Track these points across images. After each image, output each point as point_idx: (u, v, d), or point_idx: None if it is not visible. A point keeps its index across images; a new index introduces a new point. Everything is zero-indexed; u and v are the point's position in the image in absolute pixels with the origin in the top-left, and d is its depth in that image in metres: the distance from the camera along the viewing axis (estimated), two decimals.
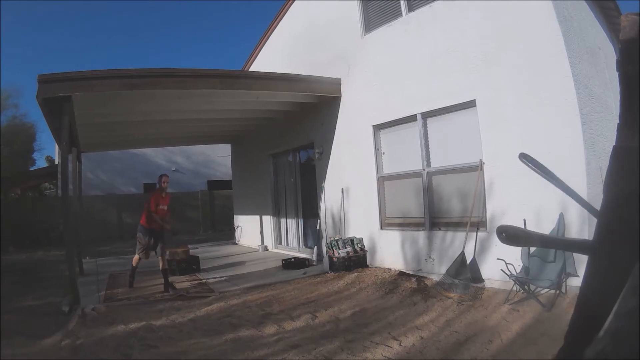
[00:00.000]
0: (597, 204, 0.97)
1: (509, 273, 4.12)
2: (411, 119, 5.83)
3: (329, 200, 7.38)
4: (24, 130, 14.08)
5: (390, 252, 6.13)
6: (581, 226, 3.99)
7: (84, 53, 44.25)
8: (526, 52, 4.52)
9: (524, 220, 4.16)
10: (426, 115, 5.64)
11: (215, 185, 18.57)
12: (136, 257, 5.89)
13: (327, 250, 6.61)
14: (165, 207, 5.81)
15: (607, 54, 5.78)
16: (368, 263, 6.44)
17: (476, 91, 4.95)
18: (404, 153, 6.08)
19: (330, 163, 7.38)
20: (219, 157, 18.37)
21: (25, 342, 3.73)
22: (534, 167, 1.13)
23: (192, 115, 7.84)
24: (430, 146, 5.66)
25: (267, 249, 9.53)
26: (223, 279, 6.40)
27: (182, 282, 6.29)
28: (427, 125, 5.67)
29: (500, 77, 4.73)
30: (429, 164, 5.63)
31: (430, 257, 5.52)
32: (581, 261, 3.80)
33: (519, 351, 3.07)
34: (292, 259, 7.22)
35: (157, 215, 5.65)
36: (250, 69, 10.09)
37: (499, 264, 4.24)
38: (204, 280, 6.34)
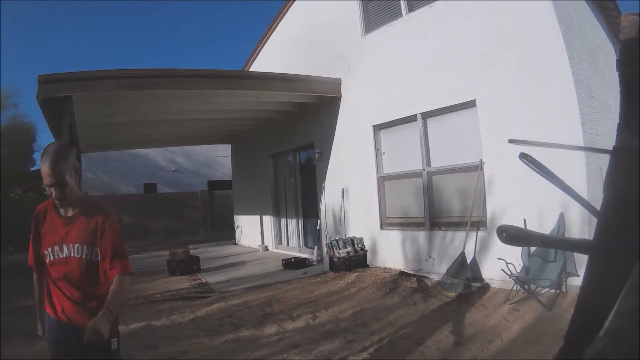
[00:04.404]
0: (597, 204, 0.97)
1: (509, 273, 4.12)
2: (411, 119, 5.83)
3: (329, 200, 7.38)
4: (24, 130, 14.10)
5: (391, 251, 6.13)
6: (582, 226, 3.99)
7: (84, 53, 44.18)
8: (526, 52, 4.52)
9: (524, 220, 4.16)
10: (426, 115, 5.64)
11: (216, 185, 18.58)
12: None
13: (327, 250, 6.61)
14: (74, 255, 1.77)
15: (607, 54, 5.77)
16: (368, 263, 6.44)
17: (476, 91, 4.95)
18: (404, 153, 6.08)
19: (330, 163, 7.38)
20: (219, 157, 18.37)
21: (25, 342, 3.73)
22: (534, 167, 1.13)
23: (192, 115, 7.83)
24: (430, 146, 5.66)
25: (268, 249, 9.53)
26: (223, 279, 6.40)
27: (182, 282, 6.30)
28: (427, 125, 5.67)
29: (500, 77, 4.73)
30: (429, 164, 5.63)
31: (430, 257, 5.52)
32: (582, 261, 3.80)
33: (520, 351, 3.07)
34: (293, 259, 7.22)
35: (55, 284, 1.80)
36: (250, 69, 10.09)
37: (499, 264, 4.24)
38: (204, 281, 6.34)
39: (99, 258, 1.77)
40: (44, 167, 1.70)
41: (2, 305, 4.98)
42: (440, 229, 5.49)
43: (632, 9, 0.98)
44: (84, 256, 1.75)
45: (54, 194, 1.73)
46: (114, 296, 1.71)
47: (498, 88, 4.75)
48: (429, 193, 5.61)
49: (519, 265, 4.28)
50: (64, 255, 1.77)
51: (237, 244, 11.23)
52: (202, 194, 17.11)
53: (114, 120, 7.28)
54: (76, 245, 1.76)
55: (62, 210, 1.84)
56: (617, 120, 0.89)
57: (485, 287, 4.69)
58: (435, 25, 5.48)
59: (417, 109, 5.68)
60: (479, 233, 4.89)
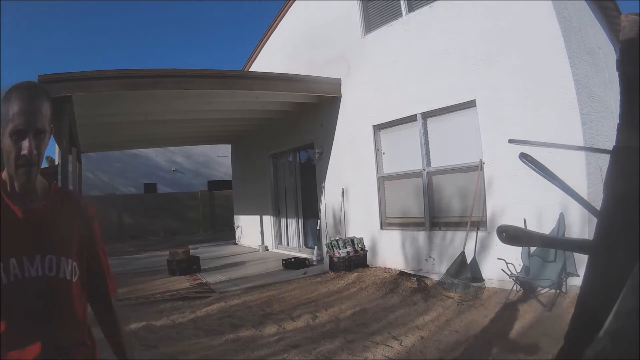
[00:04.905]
0: (597, 204, 0.97)
1: (509, 273, 4.12)
2: (411, 119, 5.83)
3: (329, 200, 7.38)
4: None
5: (391, 251, 6.13)
6: (582, 226, 3.99)
7: (84, 53, 44.27)
8: (526, 52, 4.52)
9: (524, 220, 4.16)
10: (426, 115, 5.64)
11: (216, 185, 18.59)
12: None
13: (327, 250, 6.61)
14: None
15: (607, 54, 5.77)
16: (368, 263, 6.44)
17: (476, 91, 4.95)
18: (404, 153, 6.08)
19: (330, 163, 7.38)
20: (219, 157, 18.38)
21: None
22: (534, 167, 1.13)
23: (192, 115, 7.84)
24: (430, 146, 5.66)
25: (268, 249, 9.53)
26: (223, 279, 6.40)
27: (182, 282, 6.30)
28: (427, 125, 5.67)
29: (500, 77, 4.73)
30: (429, 164, 5.63)
31: (430, 257, 5.52)
32: (582, 261, 3.80)
33: (520, 351, 3.07)
34: (293, 259, 7.22)
35: (12, 323, 1.01)
36: (250, 69, 10.09)
37: (499, 264, 4.24)
38: (204, 281, 6.34)
39: (76, 277, 1.10)
40: (15, 103, 1.00)
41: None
42: (440, 229, 5.49)
43: (632, 9, 0.98)
44: (66, 276, 1.08)
45: (25, 150, 1.00)
46: (127, 337, 1.28)
47: (498, 88, 4.75)
48: (429, 193, 5.61)
49: (519, 265, 4.28)
50: (33, 275, 1.03)
51: (237, 244, 11.23)
52: (202, 194, 17.11)
53: (114, 120, 7.28)
54: (56, 258, 1.07)
55: (19, 196, 1.07)
56: (617, 120, 0.89)
57: (485, 287, 4.69)
58: (435, 25, 5.48)
59: (417, 109, 5.68)
60: (479, 233, 4.89)
